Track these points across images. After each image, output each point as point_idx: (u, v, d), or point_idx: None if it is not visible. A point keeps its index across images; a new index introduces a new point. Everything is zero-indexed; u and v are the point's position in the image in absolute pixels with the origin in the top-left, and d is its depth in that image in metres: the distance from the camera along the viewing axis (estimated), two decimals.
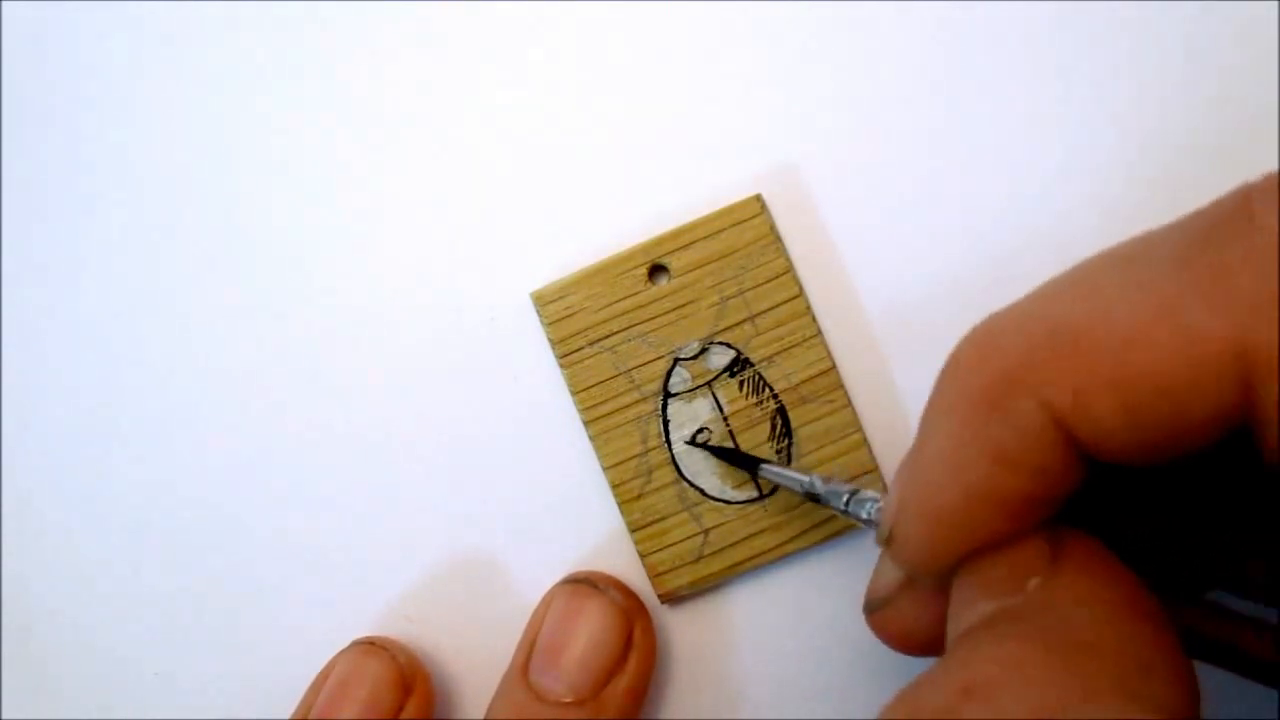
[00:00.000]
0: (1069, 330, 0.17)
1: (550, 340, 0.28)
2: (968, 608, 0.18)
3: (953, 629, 0.18)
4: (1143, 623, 0.17)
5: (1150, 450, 0.17)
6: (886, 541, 0.20)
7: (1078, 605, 0.17)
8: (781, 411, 0.28)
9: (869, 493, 0.24)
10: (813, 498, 0.25)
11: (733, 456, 0.27)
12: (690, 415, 0.28)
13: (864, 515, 0.23)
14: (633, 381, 0.28)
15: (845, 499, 0.24)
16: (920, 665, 0.27)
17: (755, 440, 0.28)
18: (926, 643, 0.21)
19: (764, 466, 0.27)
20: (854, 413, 0.28)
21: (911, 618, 0.21)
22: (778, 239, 0.28)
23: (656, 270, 0.28)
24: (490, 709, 0.26)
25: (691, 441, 0.28)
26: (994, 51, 0.28)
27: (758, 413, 0.28)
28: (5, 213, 0.30)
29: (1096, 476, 0.18)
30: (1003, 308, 0.19)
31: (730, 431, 0.28)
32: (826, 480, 0.25)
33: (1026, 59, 0.28)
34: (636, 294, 0.28)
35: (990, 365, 0.18)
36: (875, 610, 0.22)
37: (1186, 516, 0.19)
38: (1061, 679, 0.16)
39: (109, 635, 0.29)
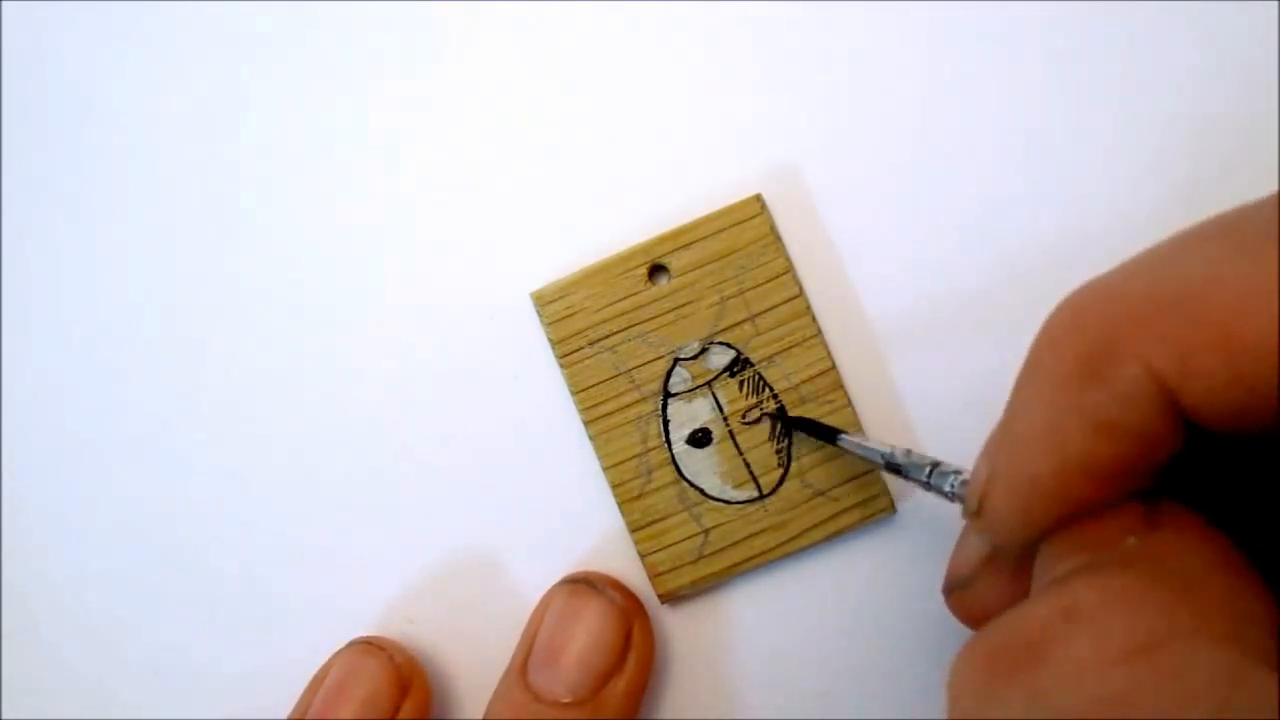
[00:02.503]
0: (1174, 294, 0.17)
1: (550, 340, 0.28)
2: (1057, 564, 0.18)
3: (1038, 587, 0.18)
4: (1243, 579, 0.17)
5: (1253, 416, 0.17)
6: (975, 513, 0.20)
7: (1178, 557, 0.17)
8: (782, 411, 0.28)
9: (951, 465, 0.23)
10: (893, 469, 0.24)
11: (810, 427, 0.27)
12: (690, 415, 0.28)
13: (946, 489, 0.23)
14: (633, 381, 0.28)
15: (927, 472, 0.23)
16: (923, 664, 0.28)
17: (755, 440, 0.28)
18: None
19: (843, 436, 0.26)
20: (854, 413, 0.28)
21: (993, 597, 0.21)
22: (778, 239, 0.28)
23: (656, 270, 0.28)
24: (489, 709, 0.26)
25: (758, 419, 0.27)
26: (994, 52, 0.28)
27: (758, 413, 0.28)
28: (5, 214, 0.30)
29: (1189, 449, 0.18)
30: (1096, 277, 0.18)
31: (730, 431, 0.28)
32: (908, 452, 0.24)
33: (1026, 60, 0.28)
34: (636, 294, 0.28)
35: (1090, 332, 0.18)
36: (955, 589, 0.22)
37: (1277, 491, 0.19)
38: (1169, 609, 0.15)
39: (109, 635, 0.29)
